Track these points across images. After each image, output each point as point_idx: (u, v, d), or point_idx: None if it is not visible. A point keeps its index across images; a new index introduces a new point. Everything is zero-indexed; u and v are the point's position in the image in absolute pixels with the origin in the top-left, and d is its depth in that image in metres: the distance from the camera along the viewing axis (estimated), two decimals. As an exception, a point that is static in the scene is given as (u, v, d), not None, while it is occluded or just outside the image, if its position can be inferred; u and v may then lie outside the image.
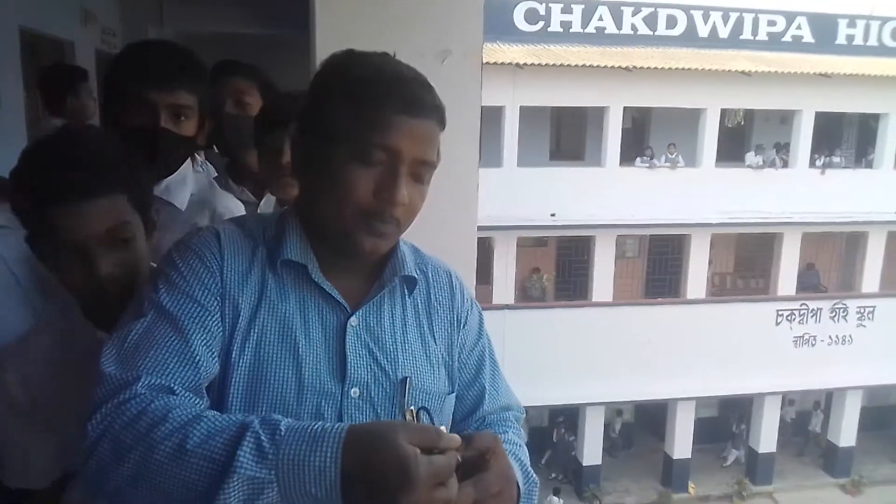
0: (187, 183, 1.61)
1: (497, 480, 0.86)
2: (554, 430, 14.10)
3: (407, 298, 1.07)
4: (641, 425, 15.31)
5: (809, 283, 15.41)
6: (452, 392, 1.09)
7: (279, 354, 0.95)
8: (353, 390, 0.97)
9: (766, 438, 14.31)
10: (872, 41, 14.92)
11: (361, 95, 0.93)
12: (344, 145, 0.93)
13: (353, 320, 1.00)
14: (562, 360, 12.17)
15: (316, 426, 0.79)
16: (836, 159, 14.57)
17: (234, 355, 0.94)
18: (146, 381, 0.86)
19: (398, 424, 0.79)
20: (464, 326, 1.12)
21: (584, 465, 13.87)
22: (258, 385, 0.94)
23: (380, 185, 0.93)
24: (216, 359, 0.93)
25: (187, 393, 0.88)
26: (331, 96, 0.96)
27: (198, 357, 0.90)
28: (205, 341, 0.92)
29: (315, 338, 0.98)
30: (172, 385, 0.88)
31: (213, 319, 0.94)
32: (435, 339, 1.08)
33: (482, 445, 0.85)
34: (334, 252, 1.00)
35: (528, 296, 14.81)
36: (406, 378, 1.00)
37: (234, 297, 0.96)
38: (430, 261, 1.14)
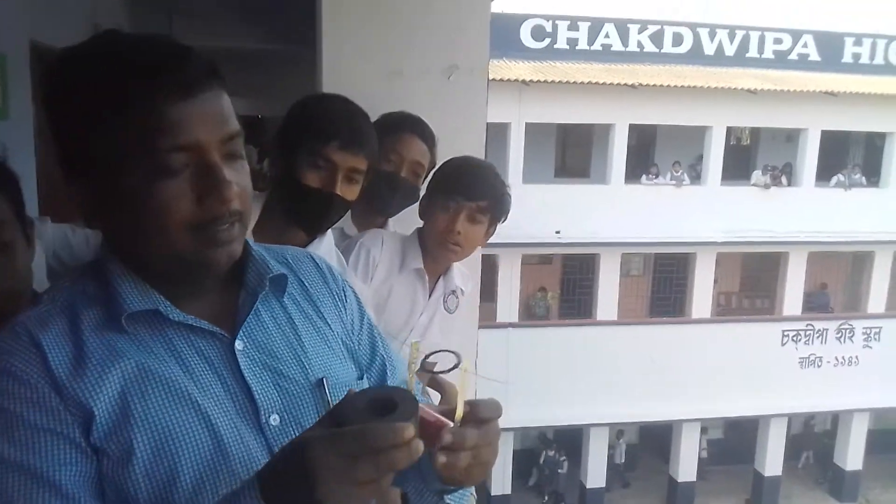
0: (323, 242, 1.63)
1: (488, 438, 0.80)
2: (544, 450, 13.78)
3: (284, 298, 0.94)
4: (645, 447, 15.17)
5: (821, 303, 15.31)
6: (363, 375, 0.99)
7: (177, 417, 0.79)
8: (272, 418, 0.85)
9: (773, 461, 14.15)
10: (879, 59, 14.92)
11: (120, 104, 0.76)
12: (137, 169, 0.77)
13: (238, 344, 0.86)
14: (566, 380, 12.06)
15: (230, 496, 0.71)
16: (855, 177, 14.39)
17: (125, 445, 0.76)
18: None
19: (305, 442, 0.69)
20: (346, 304, 1.02)
21: (587, 487, 13.70)
22: (171, 460, 0.77)
23: (201, 190, 0.78)
24: (96, 482, 0.76)
25: None
26: (90, 121, 0.78)
27: (81, 500, 0.74)
28: (78, 473, 0.75)
29: (207, 381, 0.83)
30: None
31: (71, 440, 0.75)
32: (329, 325, 0.97)
33: (487, 415, 0.80)
34: (181, 281, 0.84)
35: (532, 314, 14.74)
36: (321, 379, 0.90)
37: (81, 389, 0.76)
38: (285, 250, 1.02)
